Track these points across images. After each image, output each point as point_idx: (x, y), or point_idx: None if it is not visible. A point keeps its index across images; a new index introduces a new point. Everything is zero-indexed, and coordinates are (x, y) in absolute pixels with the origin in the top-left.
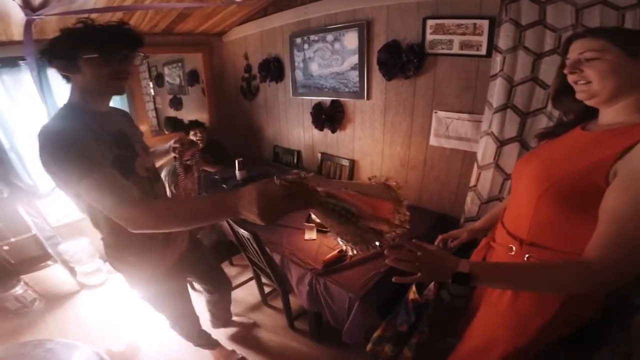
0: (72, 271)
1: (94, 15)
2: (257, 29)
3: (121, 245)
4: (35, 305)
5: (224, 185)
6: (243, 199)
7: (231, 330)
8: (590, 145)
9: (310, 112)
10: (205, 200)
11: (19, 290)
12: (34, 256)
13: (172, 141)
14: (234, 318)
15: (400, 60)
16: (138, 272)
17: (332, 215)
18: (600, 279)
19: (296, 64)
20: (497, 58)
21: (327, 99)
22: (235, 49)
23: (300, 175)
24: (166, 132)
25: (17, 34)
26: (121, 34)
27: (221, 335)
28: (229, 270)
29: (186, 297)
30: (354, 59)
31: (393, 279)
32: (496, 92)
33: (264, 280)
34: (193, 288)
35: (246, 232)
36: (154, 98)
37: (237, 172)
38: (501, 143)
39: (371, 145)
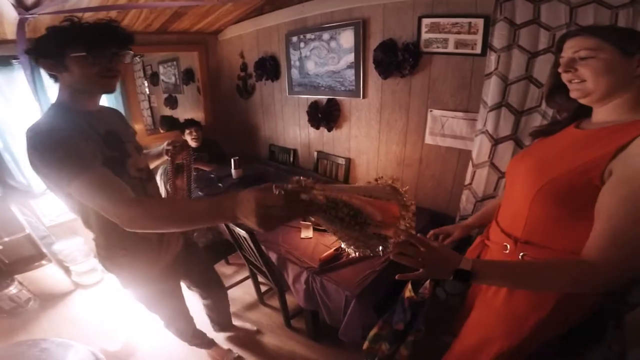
0: (67, 271)
1: (87, 14)
2: (253, 27)
3: (113, 245)
4: (30, 305)
5: (220, 184)
6: (241, 205)
7: None
8: (585, 143)
9: (307, 111)
10: (203, 203)
11: (13, 290)
12: (28, 256)
13: (165, 143)
14: (236, 323)
15: (396, 59)
16: (130, 273)
17: (335, 222)
18: (602, 279)
19: (292, 62)
20: (492, 57)
21: (323, 98)
22: (231, 48)
23: (301, 183)
24: (161, 131)
25: (10, 32)
26: (110, 32)
27: (217, 334)
28: (225, 269)
29: (179, 298)
30: (350, 58)
31: (396, 277)
32: (491, 91)
33: (260, 279)
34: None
35: (242, 231)
36: (149, 97)
37: (232, 170)
38: (496, 141)
39: (367, 143)
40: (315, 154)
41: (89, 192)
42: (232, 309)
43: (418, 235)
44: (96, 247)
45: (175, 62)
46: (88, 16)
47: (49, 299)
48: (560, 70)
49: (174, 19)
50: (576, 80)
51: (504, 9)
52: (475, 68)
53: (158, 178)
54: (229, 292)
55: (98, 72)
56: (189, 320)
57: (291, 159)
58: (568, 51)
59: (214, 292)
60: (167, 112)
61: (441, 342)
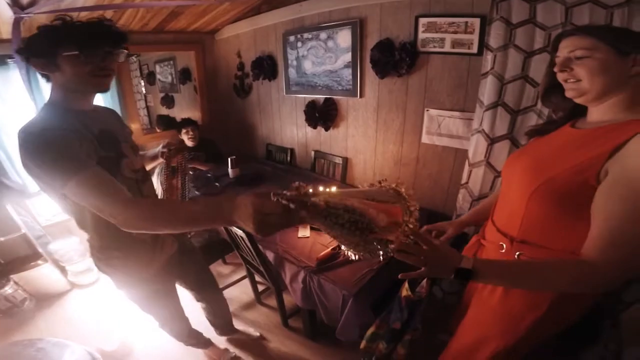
0: (63, 270)
1: (83, 14)
2: (250, 27)
3: (107, 247)
4: (26, 305)
5: (217, 184)
6: (239, 210)
7: None
8: (581, 143)
9: (304, 110)
10: (200, 206)
11: (8, 290)
12: (23, 255)
13: (160, 145)
14: (238, 327)
15: (393, 59)
16: (124, 274)
17: (335, 228)
18: (602, 279)
19: (289, 62)
20: (488, 56)
21: (320, 97)
22: (228, 47)
23: (300, 190)
24: (158, 131)
25: (6, 32)
26: (102, 30)
27: (214, 333)
28: (222, 268)
29: (174, 299)
30: (347, 57)
31: (399, 276)
32: (487, 90)
33: (257, 278)
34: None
35: (239, 231)
36: (145, 96)
37: (229, 170)
38: (492, 140)
39: (364, 143)
40: (313, 153)
41: (84, 192)
42: (230, 309)
43: (422, 231)
44: (90, 248)
45: (172, 62)
46: (84, 15)
47: (45, 299)
48: (556, 69)
49: (171, 19)
50: (572, 80)
51: (500, 9)
52: (472, 68)
53: (155, 178)
54: (226, 291)
55: (90, 71)
56: (184, 320)
57: (288, 158)
58: (564, 51)
59: (209, 294)
60: (164, 111)
61: (438, 341)
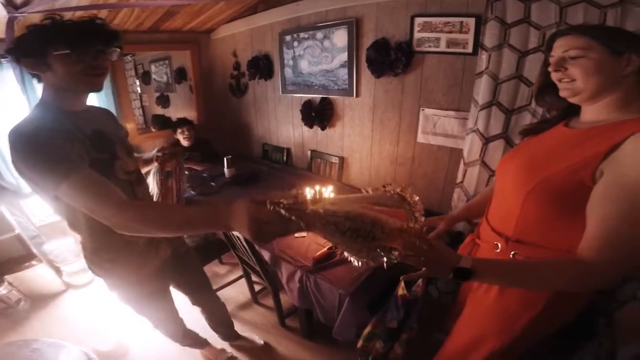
0: (58, 271)
1: (77, 13)
2: (246, 26)
3: (99, 249)
4: (21, 306)
5: (213, 184)
6: (235, 217)
7: None
8: (575, 143)
9: (300, 110)
10: (197, 210)
11: (3, 290)
12: (17, 256)
13: (155, 149)
14: (243, 334)
15: (389, 58)
16: (117, 276)
17: (335, 235)
18: (598, 279)
19: (286, 61)
20: (483, 56)
21: (316, 97)
22: (223, 47)
23: (298, 197)
24: (153, 130)
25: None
26: (93, 29)
27: (211, 334)
28: (219, 268)
29: (168, 301)
30: (344, 57)
31: (401, 277)
32: (482, 90)
33: (254, 278)
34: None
35: (236, 231)
36: (140, 96)
37: (225, 169)
38: (487, 140)
39: (360, 142)
40: (309, 153)
41: (77, 195)
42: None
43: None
44: (83, 250)
45: (167, 61)
46: (78, 15)
47: (39, 300)
48: (550, 69)
49: (166, 18)
50: (566, 80)
51: (495, 9)
52: (467, 67)
53: (150, 179)
54: (223, 292)
55: (82, 69)
56: (178, 322)
57: (284, 158)
58: (558, 50)
59: (204, 297)
60: (159, 111)
61: (434, 340)
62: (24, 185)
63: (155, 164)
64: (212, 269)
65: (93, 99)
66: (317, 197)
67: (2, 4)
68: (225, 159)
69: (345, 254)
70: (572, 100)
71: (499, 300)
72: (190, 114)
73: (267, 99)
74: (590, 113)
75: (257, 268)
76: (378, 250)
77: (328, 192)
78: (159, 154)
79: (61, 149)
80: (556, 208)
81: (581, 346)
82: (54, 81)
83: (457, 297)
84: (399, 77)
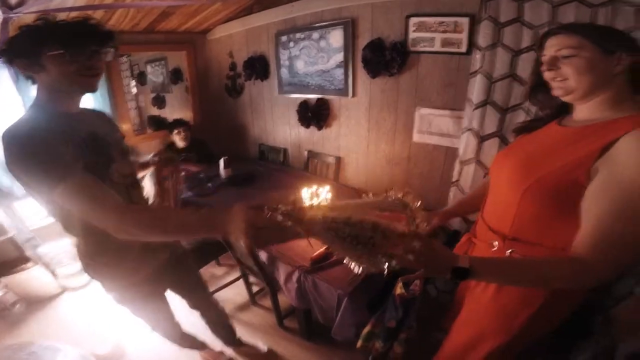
0: (54, 273)
1: (73, 14)
2: (242, 27)
3: (94, 252)
4: (17, 308)
5: (209, 184)
6: (232, 222)
7: None
8: (569, 142)
9: (296, 110)
10: (194, 215)
11: None
12: (13, 258)
13: (152, 154)
14: (247, 340)
15: (384, 58)
16: (112, 280)
17: (335, 242)
18: (594, 276)
19: (282, 62)
20: (477, 55)
21: (313, 97)
22: (219, 47)
23: (296, 204)
24: (149, 131)
25: None
26: (87, 29)
27: (209, 335)
28: (216, 270)
29: (164, 304)
30: (339, 57)
31: (400, 278)
32: (476, 89)
33: (251, 279)
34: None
35: (232, 236)
36: (136, 97)
37: (221, 170)
38: (482, 138)
39: (356, 142)
40: (306, 153)
41: (73, 198)
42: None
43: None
44: (78, 253)
45: (163, 62)
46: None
47: (36, 302)
48: (542, 68)
49: (162, 19)
50: (559, 79)
51: (488, 8)
52: (461, 67)
53: (147, 182)
54: (221, 293)
55: (76, 70)
56: (175, 325)
57: (281, 158)
58: (550, 49)
59: (201, 300)
60: (155, 111)
61: (434, 339)
62: (18, 188)
63: (152, 168)
64: (210, 270)
65: (88, 100)
66: (316, 202)
67: None
68: (222, 159)
69: (346, 260)
70: (565, 99)
71: (497, 298)
72: (186, 115)
73: (263, 99)
74: (583, 112)
75: (255, 269)
76: (379, 256)
77: (325, 192)
78: (156, 158)
79: (56, 151)
80: (552, 206)
81: (578, 344)
82: (48, 82)
83: (455, 296)
84: (394, 77)
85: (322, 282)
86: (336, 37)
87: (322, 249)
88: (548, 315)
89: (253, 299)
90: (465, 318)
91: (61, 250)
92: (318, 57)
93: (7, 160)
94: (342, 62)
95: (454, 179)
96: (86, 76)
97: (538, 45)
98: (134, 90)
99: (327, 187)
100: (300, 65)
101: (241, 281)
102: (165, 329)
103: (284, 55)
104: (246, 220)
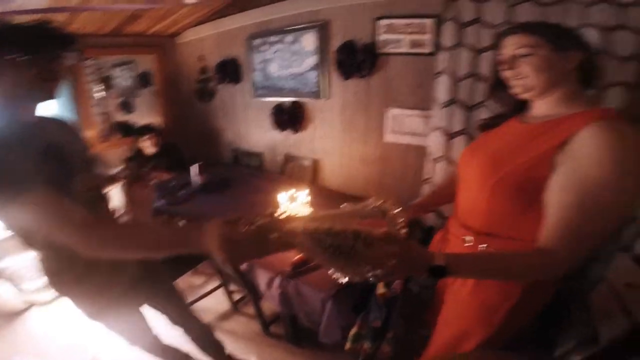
0: (18, 288)
1: (35, 16)
2: (213, 30)
3: (60, 269)
4: None
5: (182, 191)
6: (207, 238)
7: None
8: (529, 137)
9: (271, 113)
10: (168, 231)
11: None
12: None
13: (119, 168)
14: (242, 358)
15: (356, 60)
16: (82, 298)
17: (316, 254)
18: (561, 266)
19: (255, 65)
20: (441, 56)
21: (287, 100)
22: (190, 51)
23: (272, 216)
24: (116, 138)
25: None
26: (47, 32)
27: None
28: (194, 279)
29: (140, 320)
30: (313, 60)
31: (375, 281)
32: (442, 89)
33: (232, 286)
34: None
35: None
36: (102, 101)
37: (194, 177)
38: (450, 136)
39: (332, 144)
40: (282, 156)
41: (34, 214)
42: (206, 321)
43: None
44: (43, 269)
45: (131, 65)
46: (32, 19)
47: (1, 317)
48: (501, 68)
49: (129, 21)
50: (517, 77)
51: (451, 9)
52: (428, 67)
53: (116, 195)
54: (201, 302)
55: (35, 75)
56: (153, 341)
57: (257, 162)
58: (508, 48)
59: (181, 315)
60: (123, 117)
61: (420, 336)
62: None
63: (120, 182)
64: (188, 280)
65: (50, 106)
66: (295, 213)
67: None
68: (194, 165)
69: (330, 271)
70: (524, 96)
71: (476, 293)
72: (156, 120)
73: (236, 103)
74: (541, 108)
75: (235, 276)
76: (362, 265)
77: (304, 195)
78: (124, 173)
79: (12, 163)
80: (520, 201)
81: (562, 334)
82: (4, 89)
83: (436, 291)
84: (365, 79)
85: (304, 286)
86: (309, 40)
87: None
88: (527, 307)
89: (235, 306)
90: (448, 316)
91: (23, 264)
92: (292, 60)
93: None
94: (315, 64)
95: (425, 177)
96: (45, 82)
97: (497, 44)
98: (100, 94)
99: (306, 191)
100: (273, 69)
101: (222, 289)
102: (144, 343)
103: (257, 59)
104: (221, 236)
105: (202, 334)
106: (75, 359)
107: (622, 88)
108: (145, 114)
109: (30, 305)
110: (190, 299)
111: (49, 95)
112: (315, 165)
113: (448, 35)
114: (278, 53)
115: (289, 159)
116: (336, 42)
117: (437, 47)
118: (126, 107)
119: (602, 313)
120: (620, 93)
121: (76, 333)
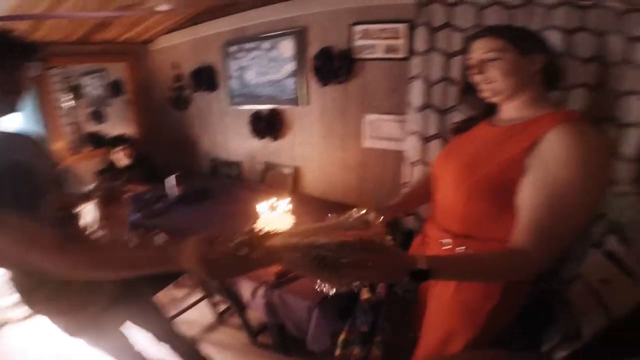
0: None
1: None
2: (188, 37)
3: (30, 286)
4: None
5: (159, 204)
6: (185, 256)
7: None
8: (500, 140)
9: (249, 121)
10: (145, 251)
11: None
12: None
13: (92, 185)
14: None
15: (333, 67)
16: (57, 316)
17: (301, 266)
18: (535, 265)
19: (232, 72)
20: (415, 60)
21: (265, 107)
22: (163, 58)
23: (252, 233)
24: (87, 150)
25: None
26: (6, 42)
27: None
28: (175, 292)
29: (120, 337)
30: (291, 66)
31: (357, 288)
32: (416, 93)
33: (216, 297)
34: None
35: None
36: (71, 111)
37: (171, 189)
38: (426, 140)
39: (311, 151)
40: (261, 165)
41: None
42: (191, 334)
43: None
44: (14, 286)
45: (102, 73)
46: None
47: None
48: (470, 72)
49: (99, 29)
50: (486, 81)
51: (423, 14)
52: (403, 72)
53: (89, 213)
54: (185, 315)
55: None
56: (137, 353)
57: (236, 171)
58: (476, 52)
59: (163, 331)
60: (94, 127)
61: (409, 339)
62: None
63: (93, 201)
64: (170, 293)
65: (14, 119)
66: (277, 229)
67: None
68: (173, 176)
69: (317, 283)
70: (492, 100)
71: (458, 294)
72: (129, 130)
73: (212, 111)
74: (509, 111)
75: (218, 288)
76: (347, 276)
77: (284, 204)
78: (97, 192)
79: None
80: (496, 203)
81: (546, 331)
82: None
83: (419, 294)
84: (343, 85)
85: (289, 295)
86: (287, 47)
87: None
88: (508, 307)
89: (221, 318)
90: (432, 319)
91: None
92: (269, 67)
93: None
94: (293, 71)
95: (404, 181)
96: (7, 94)
97: (466, 49)
98: (69, 104)
99: (287, 199)
100: (251, 76)
101: (205, 301)
102: (127, 358)
103: (233, 66)
104: (199, 255)
105: (189, 351)
106: None
107: (584, 89)
108: (117, 124)
109: (5, 323)
110: (173, 312)
111: (11, 109)
112: (296, 173)
113: (420, 40)
114: (255, 60)
115: (268, 167)
116: (313, 49)
117: (411, 52)
118: (97, 117)
119: (581, 309)
120: (582, 94)
121: (54, 350)
